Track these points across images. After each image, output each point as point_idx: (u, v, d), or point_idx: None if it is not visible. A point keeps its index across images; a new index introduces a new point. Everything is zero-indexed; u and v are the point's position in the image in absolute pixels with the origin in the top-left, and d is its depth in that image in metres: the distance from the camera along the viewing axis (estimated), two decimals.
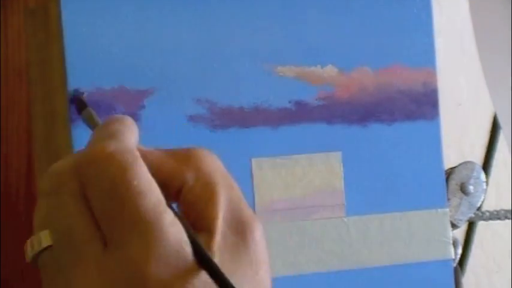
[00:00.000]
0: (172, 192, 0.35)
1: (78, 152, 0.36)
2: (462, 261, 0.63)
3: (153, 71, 0.46)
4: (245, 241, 0.35)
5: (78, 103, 0.42)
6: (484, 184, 0.54)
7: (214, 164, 0.36)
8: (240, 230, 0.35)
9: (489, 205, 0.62)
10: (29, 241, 0.35)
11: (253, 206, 0.47)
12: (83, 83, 0.44)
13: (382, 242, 0.49)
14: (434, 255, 0.50)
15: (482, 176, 0.54)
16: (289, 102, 0.48)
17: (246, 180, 0.47)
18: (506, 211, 0.58)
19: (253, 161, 0.47)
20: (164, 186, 0.34)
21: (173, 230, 0.33)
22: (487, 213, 0.57)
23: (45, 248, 0.35)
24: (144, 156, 0.35)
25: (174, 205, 0.35)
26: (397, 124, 0.50)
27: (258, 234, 0.35)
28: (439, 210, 0.50)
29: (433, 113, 0.51)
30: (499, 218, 0.58)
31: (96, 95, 0.44)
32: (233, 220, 0.35)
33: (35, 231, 0.36)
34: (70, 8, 0.44)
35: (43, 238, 0.35)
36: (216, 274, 0.32)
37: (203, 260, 0.33)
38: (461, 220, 0.53)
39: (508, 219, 0.58)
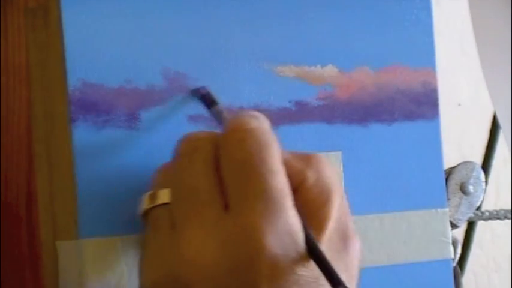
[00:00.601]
0: (292, 187, 0.36)
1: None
2: (462, 261, 0.63)
3: (153, 71, 0.46)
4: (346, 249, 0.37)
5: (208, 99, 0.43)
6: (484, 184, 0.54)
7: (333, 171, 0.39)
8: (344, 237, 0.37)
9: (489, 205, 0.63)
10: (147, 194, 0.37)
11: None
12: (83, 83, 0.44)
13: (382, 242, 0.49)
14: (434, 255, 0.50)
15: (482, 175, 0.54)
16: (289, 102, 0.48)
17: None
18: (506, 211, 0.58)
19: None
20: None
21: (292, 214, 0.35)
22: (487, 213, 0.57)
23: (160, 205, 0.36)
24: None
25: None
26: (397, 124, 0.50)
27: (358, 247, 0.37)
28: (439, 210, 0.50)
29: (433, 113, 0.51)
30: (499, 218, 0.58)
31: (96, 95, 0.44)
32: (340, 227, 0.37)
33: (154, 188, 0.38)
34: (70, 8, 0.44)
35: (162, 195, 0.37)
36: (324, 265, 0.34)
37: (313, 250, 0.34)
38: (461, 220, 0.53)
39: (508, 219, 0.58)
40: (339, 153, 0.49)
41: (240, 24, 0.47)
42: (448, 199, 0.52)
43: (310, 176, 0.37)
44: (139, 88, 0.45)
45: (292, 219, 0.35)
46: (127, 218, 0.43)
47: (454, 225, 0.52)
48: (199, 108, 0.45)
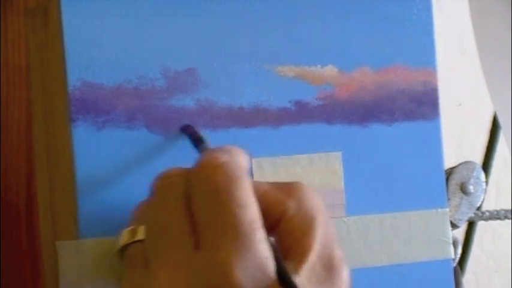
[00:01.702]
0: (273, 219, 0.36)
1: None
2: (462, 261, 0.63)
3: (153, 71, 0.46)
4: (332, 278, 0.37)
5: (196, 137, 0.44)
6: (484, 184, 0.54)
7: (315, 199, 0.38)
8: (329, 266, 0.37)
9: (489, 205, 0.63)
10: (126, 230, 0.37)
11: None
12: (83, 83, 0.44)
13: (382, 242, 0.49)
14: (434, 255, 0.50)
15: (482, 176, 0.54)
16: (289, 102, 0.48)
17: None
18: (506, 211, 0.58)
19: (254, 161, 0.47)
20: (266, 213, 0.36)
21: (263, 247, 0.34)
22: (487, 213, 0.57)
23: (136, 241, 0.36)
24: (252, 182, 0.37)
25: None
26: (397, 124, 0.50)
27: (346, 274, 0.37)
28: (439, 210, 0.50)
29: (433, 113, 0.51)
30: (499, 218, 0.58)
31: (96, 95, 0.44)
32: (324, 256, 0.37)
33: (131, 224, 0.38)
34: (70, 8, 0.44)
35: (138, 231, 0.37)
36: None
37: (285, 280, 0.34)
38: (461, 220, 0.53)
39: (508, 219, 0.58)
40: (339, 153, 0.49)
41: (240, 24, 0.47)
42: (448, 199, 0.52)
43: (291, 206, 0.37)
44: (140, 88, 0.45)
45: (262, 253, 0.34)
46: (127, 218, 0.43)
47: (454, 225, 0.52)
48: (199, 108, 0.45)
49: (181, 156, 0.46)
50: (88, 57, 0.45)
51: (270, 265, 0.34)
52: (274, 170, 0.47)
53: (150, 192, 0.39)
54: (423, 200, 0.50)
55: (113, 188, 0.44)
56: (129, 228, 0.38)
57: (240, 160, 0.38)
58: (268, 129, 0.48)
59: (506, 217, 0.58)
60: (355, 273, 0.49)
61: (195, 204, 0.36)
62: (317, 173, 0.48)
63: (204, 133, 0.44)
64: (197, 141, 0.43)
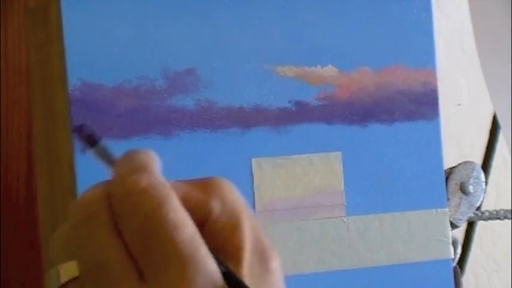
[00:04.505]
0: (198, 221, 0.36)
1: (107, 182, 0.36)
2: (462, 261, 0.63)
3: (153, 71, 0.46)
4: (267, 269, 0.36)
5: (88, 138, 0.40)
6: (484, 184, 0.54)
7: (235, 193, 0.37)
8: (262, 258, 0.36)
9: (489, 205, 0.63)
10: (53, 271, 0.35)
11: (253, 206, 0.47)
12: (83, 83, 0.44)
13: (382, 242, 0.49)
14: (434, 255, 0.50)
15: (482, 175, 0.54)
16: (289, 102, 0.48)
17: (246, 180, 0.47)
18: (506, 211, 0.58)
19: (253, 161, 0.47)
20: (190, 216, 0.35)
21: (209, 261, 0.34)
22: (487, 213, 0.57)
23: (71, 280, 0.34)
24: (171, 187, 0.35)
25: None
26: (397, 124, 0.50)
27: (277, 262, 0.36)
28: (438, 210, 0.50)
29: (433, 113, 0.51)
30: (499, 218, 0.58)
31: (96, 95, 0.44)
32: (256, 249, 0.36)
33: (57, 261, 0.35)
34: (70, 8, 0.44)
35: (70, 269, 0.35)
36: None
37: (235, 284, 0.34)
38: (460, 220, 0.53)
39: (508, 219, 0.58)
40: (339, 153, 0.49)
41: (240, 24, 0.47)
42: (448, 199, 0.52)
43: (215, 206, 0.35)
44: (140, 88, 0.45)
45: (210, 266, 0.33)
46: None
47: (454, 225, 0.52)
48: (199, 108, 0.45)
49: (182, 157, 0.46)
50: (88, 57, 0.45)
51: (219, 276, 0.34)
52: (274, 170, 0.47)
53: (68, 220, 0.36)
54: (423, 200, 0.50)
55: None
56: (57, 268, 0.35)
57: (157, 172, 0.36)
58: (268, 129, 0.48)
59: (505, 217, 0.58)
60: (355, 273, 0.49)
61: (129, 237, 0.34)
62: (317, 173, 0.48)
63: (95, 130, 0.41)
64: (93, 144, 0.40)
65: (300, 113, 0.48)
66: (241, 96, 0.47)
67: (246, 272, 0.35)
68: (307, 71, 0.49)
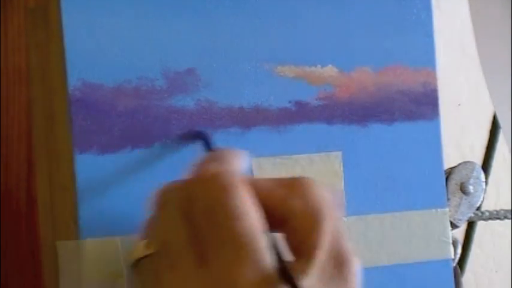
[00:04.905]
0: (279, 218, 0.36)
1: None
2: (462, 261, 0.63)
3: (153, 71, 0.46)
4: (342, 273, 0.36)
5: (206, 144, 0.44)
6: (484, 184, 0.54)
7: (321, 194, 0.38)
8: (338, 262, 0.36)
9: (489, 205, 0.63)
10: (137, 246, 0.38)
11: None
12: (83, 83, 0.44)
13: (382, 242, 0.49)
14: (434, 255, 0.50)
15: (482, 176, 0.54)
16: (289, 102, 0.48)
17: None
18: (506, 211, 0.58)
19: (253, 161, 0.47)
20: (271, 213, 0.36)
21: (265, 254, 0.34)
22: (487, 213, 0.57)
23: (147, 255, 0.37)
24: (254, 184, 0.36)
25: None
26: (397, 124, 0.50)
27: (354, 267, 0.37)
28: (438, 210, 0.50)
29: (433, 113, 0.51)
30: (499, 218, 0.58)
31: (96, 95, 0.44)
32: (333, 251, 0.36)
33: (143, 236, 0.39)
34: (70, 8, 0.44)
35: (148, 246, 0.37)
36: None
37: (289, 283, 0.34)
38: (461, 220, 0.53)
39: (508, 219, 0.58)
40: (339, 153, 0.49)
41: (239, 24, 0.47)
42: (448, 199, 0.52)
43: (296, 204, 0.36)
44: (140, 88, 0.45)
45: (264, 259, 0.34)
46: (127, 218, 0.43)
47: (454, 225, 0.52)
48: (199, 108, 0.45)
49: (181, 156, 0.46)
50: (88, 57, 0.45)
51: (271, 269, 0.34)
52: (274, 170, 0.47)
53: (152, 206, 0.39)
54: (423, 200, 0.50)
55: (113, 188, 0.44)
56: (140, 244, 0.38)
57: (234, 164, 0.38)
58: (268, 129, 0.48)
59: (505, 217, 0.58)
60: None
61: (197, 219, 0.36)
62: (317, 173, 0.48)
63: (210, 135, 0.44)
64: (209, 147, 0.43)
65: (300, 113, 0.48)
66: (241, 96, 0.47)
67: (316, 271, 0.35)
68: (307, 71, 0.49)
